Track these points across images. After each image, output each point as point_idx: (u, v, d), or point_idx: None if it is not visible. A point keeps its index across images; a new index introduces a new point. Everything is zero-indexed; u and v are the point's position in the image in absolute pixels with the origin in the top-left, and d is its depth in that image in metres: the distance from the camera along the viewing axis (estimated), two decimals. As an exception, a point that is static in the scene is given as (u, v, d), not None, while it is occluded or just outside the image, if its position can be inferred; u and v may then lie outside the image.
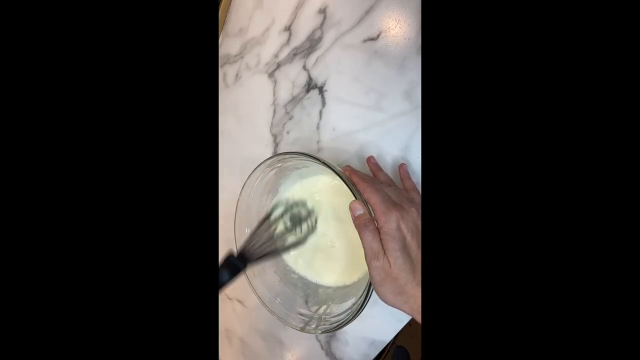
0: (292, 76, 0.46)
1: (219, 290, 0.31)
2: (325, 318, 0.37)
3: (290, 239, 0.37)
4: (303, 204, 0.40)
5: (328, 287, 0.42)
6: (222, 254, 0.51)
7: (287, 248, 0.36)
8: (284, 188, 0.44)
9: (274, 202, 0.43)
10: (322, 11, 0.43)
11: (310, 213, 0.39)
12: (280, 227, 0.37)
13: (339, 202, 0.40)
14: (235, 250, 0.33)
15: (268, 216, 0.35)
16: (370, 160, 0.39)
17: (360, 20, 0.40)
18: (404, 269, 0.27)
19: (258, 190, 0.40)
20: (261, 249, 0.34)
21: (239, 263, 0.32)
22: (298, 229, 0.39)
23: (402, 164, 0.39)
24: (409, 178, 0.37)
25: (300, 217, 0.39)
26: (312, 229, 0.38)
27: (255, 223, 0.42)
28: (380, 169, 0.38)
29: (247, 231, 0.42)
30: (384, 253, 0.28)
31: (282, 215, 0.38)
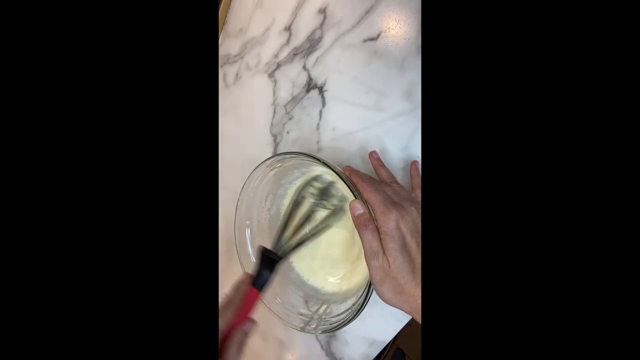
0: (292, 76, 0.46)
1: (263, 291, 0.30)
2: (325, 318, 0.37)
3: (323, 213, 0.35)
4: (322, 178, 0.38)
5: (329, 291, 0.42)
6: (221, 254, 0.51)
7: (325, 223, 0.34)
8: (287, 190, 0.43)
9: (296, 183, 0.42)
10: (322, 11, 0.43)
11: (333, 184, 0.37)
12: (309, 204, 0.35)
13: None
14: (265, 245, 0.32)
15: (296, 201, 0.34)
16: (373, 156, 0.38)
17: (360, 20, 0.40)
18: (403, 268, 0.27)
19: (258, 191, 0.40)
20: (296, 234, 0.32)
21: (274, 256, 0.31)
22: (329, 201, 0.37)
23: (415, 161, 0.38)
24: (417, 176, 0.37)
25: (327, 188, 0.37)
26: (342, 199, 0.36)
27: (255, 223, 0.42)
28: (382, 165, 0.37)
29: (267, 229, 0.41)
30: (384, 252, 0.28)
31: (308, 192, 0.36)
